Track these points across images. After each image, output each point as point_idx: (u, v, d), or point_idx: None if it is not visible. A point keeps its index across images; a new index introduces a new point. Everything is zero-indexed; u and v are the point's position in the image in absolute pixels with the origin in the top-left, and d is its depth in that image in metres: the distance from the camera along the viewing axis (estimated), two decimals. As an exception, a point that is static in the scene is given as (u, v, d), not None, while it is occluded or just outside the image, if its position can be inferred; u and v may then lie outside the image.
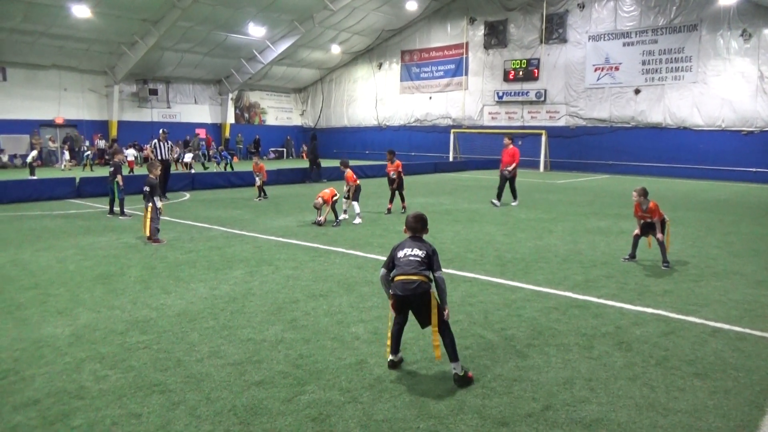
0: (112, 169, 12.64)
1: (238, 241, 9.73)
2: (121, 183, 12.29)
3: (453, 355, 4.26)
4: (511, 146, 15.63)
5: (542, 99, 31.36)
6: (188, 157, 26.93)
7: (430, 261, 4.33)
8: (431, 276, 4.32)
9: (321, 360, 4.66)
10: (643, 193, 8.25)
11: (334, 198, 11.77)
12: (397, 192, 13.75)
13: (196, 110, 37.40)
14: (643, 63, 27.94)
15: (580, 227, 11.67)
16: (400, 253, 4.40)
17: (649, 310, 6.11)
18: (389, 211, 13.50)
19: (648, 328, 5.55)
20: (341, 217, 11.99)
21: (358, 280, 7.22)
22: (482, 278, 7.38)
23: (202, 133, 37.60)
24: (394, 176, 13.63)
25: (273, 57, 34.56)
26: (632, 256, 8.54)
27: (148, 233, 9.45)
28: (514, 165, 15.28)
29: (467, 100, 34.55)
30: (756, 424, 3.72)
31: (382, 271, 4.48)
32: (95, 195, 15.73)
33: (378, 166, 25.87)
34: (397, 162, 13.73)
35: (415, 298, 4.25)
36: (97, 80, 32.27)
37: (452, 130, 34.54)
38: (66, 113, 31.44)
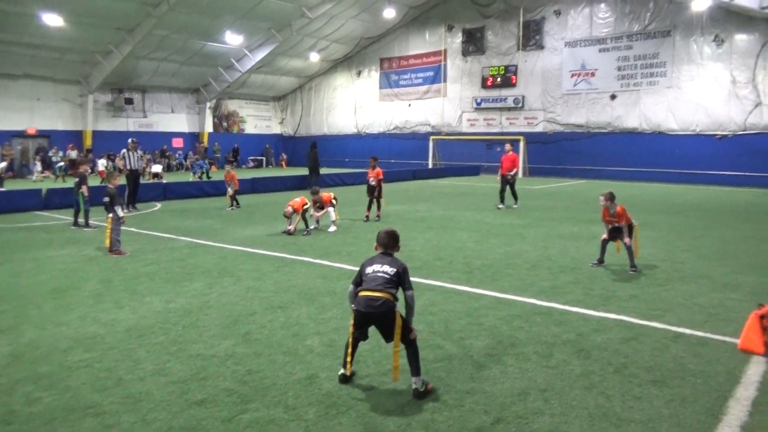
0: (77, 179, 12.36)
1: (202, 252, 9.51)
2: (86, 194, 12.00)
3: (415, 370, 4.12)
4: (511, 152, 16.30)
5: (520, 105, 31.52)
6: (157, 168, 26.55)
7: (400, 279, 4.19)
8: (396, 295, 4.16)
9: (270, 375, 4.49)
10: (610, 197, 8.21)
11: (305, 207, 11.60)
12: (375, 200, 13.61)
13: (173, 119, 37.00)
14: (619, 69, 28.22)
15: (553, 233, 11.62)
16: (369, 269, 4.26)
17: (613, 315, 6.02)
18: (367, 218, 13.36)
19: (610, 334, 5.45)
20: (312, 226, 11.83)
21: (321, 290, 7.05)
22: (447, 286, 7.26)
23: (179, 142, 37.27)
24: (374, 183, 13.48)
25: (251, 65, 34.35)
26: (600, 261, 8.48)
27: (108, 244, 9.20)
28: (515, 170, 16.13)
29: (446, 107, 34.62)
30: (710, 434, 3.62)
31: (351, 287, 4.33)
32: (62, 206, 15.37)
33: (357, 174, 25.77)
34: (378, 169, 13.57)
35: (379, 315, 4.10)
36: (71, 90, 31.77)
37: (431, 137, 34.57)
38: (39, 123, 30.88)
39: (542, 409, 3.92)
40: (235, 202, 15.69)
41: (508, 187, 15.91)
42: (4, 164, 22.54)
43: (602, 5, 28.44)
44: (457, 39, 33.72)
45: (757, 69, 24.42)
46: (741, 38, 24.81)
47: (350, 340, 4.29)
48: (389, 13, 32.16)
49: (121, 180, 12.59)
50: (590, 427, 3.68)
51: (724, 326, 5.69)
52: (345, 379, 4.36)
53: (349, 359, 4.30)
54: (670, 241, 10.65)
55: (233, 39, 31.06)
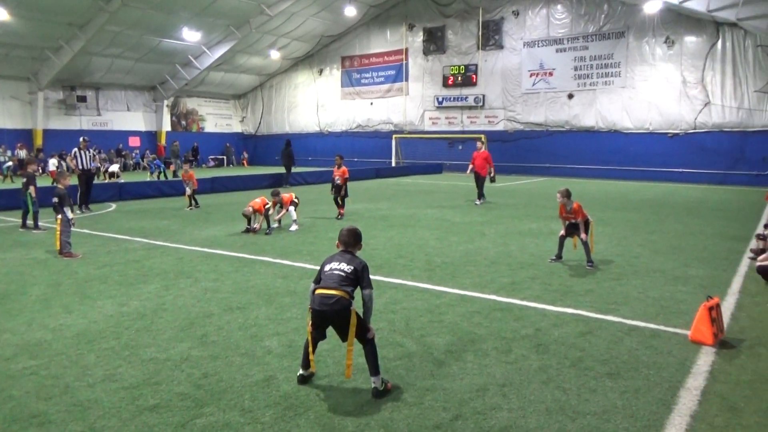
0: (24, 180, 11.86)
1: (159, 253, 9.25)
2: (33, 194, 11.53)
3: (373, 369, 4.08)
4: (483, 149, 17.08)
5: (481, 104, 31.88)
6: (114, 167, 25.81)
7: (358, 277, 4.13)
8: (353, 293, 4.11)
9: (226, 378, 4.38)
10: (567, 194, 8.36)
11: (266, 206, 11.43)
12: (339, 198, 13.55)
13: (129, 117, 35.98)
14: (576, 69, 28.84)
15: (513, 229, 11.77)
16: (327, 267, 4.21)
17: (570, 310, 6.13)
18: (341, 216, 13.34)
19: (567, 328, 5.54)
20: (274, 225, 11.69)
21: (281, 290, 6.94)
22: (409, 284, 7.25)
23: (135, 141, 36.31)
24: (339, 182, 13.39)
25: (210, 62, 33.70)
26: (558, 257, 8.63)
27: (58, 247, 8.86)
28: (492, 170, 17.07)
29: (408, 105, 34.73)
30: (662, 423, 3.70)
31: (312, 285, 4.24)
32: (9, 208, 14.73)
33: (321, 173, 25.62)
34: (344, 168, 13.53)
35: (332, 314, 4.04)
36: (20, 87, 30.53)
37: (394, 136, 34.62)
38: (-15, 122, 29.58)
39: (500, 405, 3.95)
40: (194, 202, 15.35)
41: (482, 182, 16.60)
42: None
43: (559, 6, 29.01)
44: (418, 38, 33.86)
45: (706, 70, 25.33)
46: (690, 40, 25.69)
47: (309, 339, 4.22)
48: (350, 12, 32.04)
49: (73, 180, 12.15)
50: (547, 421, 3.72)
51: (675, 318, 5.86)
52: (303, 380, 4.29)
53: (310, 358, 4.24)
54: (626, 237, 10.93)
55: (190, 36, 30.41)
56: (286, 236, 11.01)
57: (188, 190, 15.28)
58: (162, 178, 25.25)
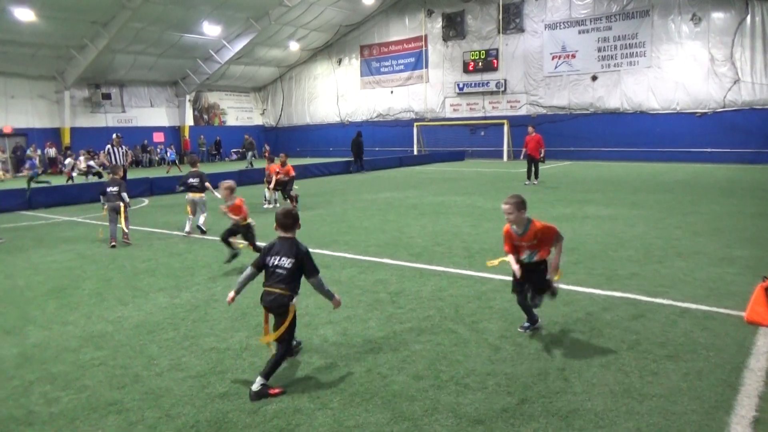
0: (116, 187, 10.04)
1: (199, 246, 9.42)
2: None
3: (267, 371, 4.04)
4: (534, 133, 18.50)
5: (502, 89, 31.59)
6: (91, 162, 24.51)
7: (301, 268, 4.18)
8: (295, 287, 4.19)
9: (289, 366, 4.47)
10: (519, 205, 4.74)
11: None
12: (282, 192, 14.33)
13: (153, 113, 36.44)
14: (599, 50, 28.38)
15: (546, 215, 11.69)
16: (270, 261, 4.22)
17: (618, 294, 6.11)
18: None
19: (618, 312, 5.53)
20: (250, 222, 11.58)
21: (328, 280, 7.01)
22: (452, 271, 7.29)
23: (159, 137, 36.74)
24: (285, 178, 14.08)
25: (230, 56, 33.91)
26: (533, 323, 5.09)
27: (126, 229, 9.75)
28: (543, 151, 18.42)
29: (429, 92, 34.56)
30: (730, 404, 3.70)
31: (249, 269, 4.31)
32: (49, 205, 15.07)
33: (341, 164, 25.75)
34: (289, 166, 14.32)
35: (273, 309, 4.19)
36: (47, 86, 31.08)
37: (415, 124, 34.52)
38: (14, 121, 30.19)
39: (564, 388, 3.97)
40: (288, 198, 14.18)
41: (537, 164, 18.16)
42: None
43: (581, -13, 28.52)
44: (437, 24, 33.60)
45: (735, 47, 24.74)
46: (718, 16, 25.09)
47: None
48: (368, 0, 31.89)
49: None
50: (614, 403, 3.74)
51: (726, 300, 5.81)
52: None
53: (264, 328, 4.32)
54: (662, 219, 10.81)
55: (211, 30, 30.60)
56: (320, 227, 11.08)
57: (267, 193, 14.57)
58: (175, 171, 25.45)
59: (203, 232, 10.24)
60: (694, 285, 6.38)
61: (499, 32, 31.25)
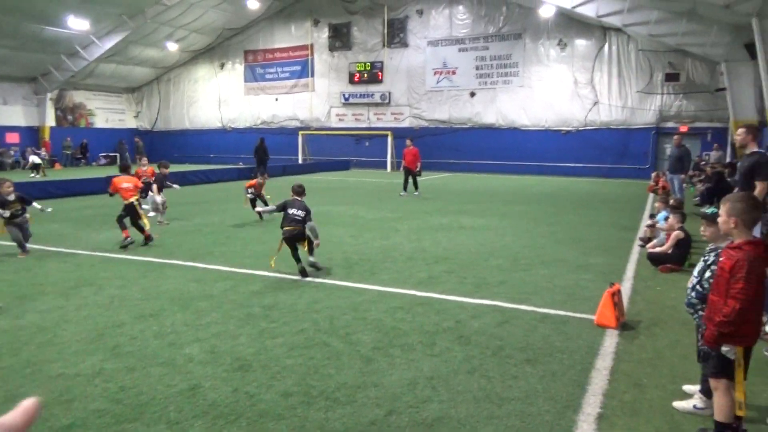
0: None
1: (52, 260, 8.55)
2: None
3: (311, 252, 7.60)
4: (411, 146, 18.85)
5: (387, 101, 32.30)
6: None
7: (307, 217, 7.46)
8: (305, 225, 7.43)
9: (147, 390, 4.14)
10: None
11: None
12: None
13: (6, 112, 32.75)
14: (477, 68, 29.98)
15: (424, 225, 12.06)
16: (290, 210, 7.44)
17: (486, 301, 6.39)
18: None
19: (485, 319, 5.78)
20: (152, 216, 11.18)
21: (195, 294, 6.66)
22: (328, 282, 7.23)
23: (14, 137, 33.21)
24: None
25: (99, 53, 31.43)
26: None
27: None
28: (419, 163, 18.73)
29: (314, 101, 34.46)
30: (578, 403, 3.97)
31: (275, 207, 7.81)
32: None
33: (223, 171, 24.84)
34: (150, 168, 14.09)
35: (293, 238, 7.37)
36: None
37: (300, 132, 34.22)
38: None
39: (431, 397, 4.05)
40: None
41: (414, 176, 18.51)
42: None
43: (460, 7, 29.99)
44: (324, 34, 33.66)
45: (594, 71, 27.31)
46: (581, 43, 27.57)
47: (289, 250, 7.45)
48: (253, 4, 31.20)
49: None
50: (476, 409, 3.87)
51: (581, 305, 6.29)
52: (303, 272, 7.37)
53: (296, 257, 7.42)
54: (529, 229, 11.55)
55: (77, 24, 28.21)
56: (193, 238, 10.57)
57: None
58: (41, 176, 23.22)
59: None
60: (554, 291, 6.85)
61: (384, 45, 31.95)
